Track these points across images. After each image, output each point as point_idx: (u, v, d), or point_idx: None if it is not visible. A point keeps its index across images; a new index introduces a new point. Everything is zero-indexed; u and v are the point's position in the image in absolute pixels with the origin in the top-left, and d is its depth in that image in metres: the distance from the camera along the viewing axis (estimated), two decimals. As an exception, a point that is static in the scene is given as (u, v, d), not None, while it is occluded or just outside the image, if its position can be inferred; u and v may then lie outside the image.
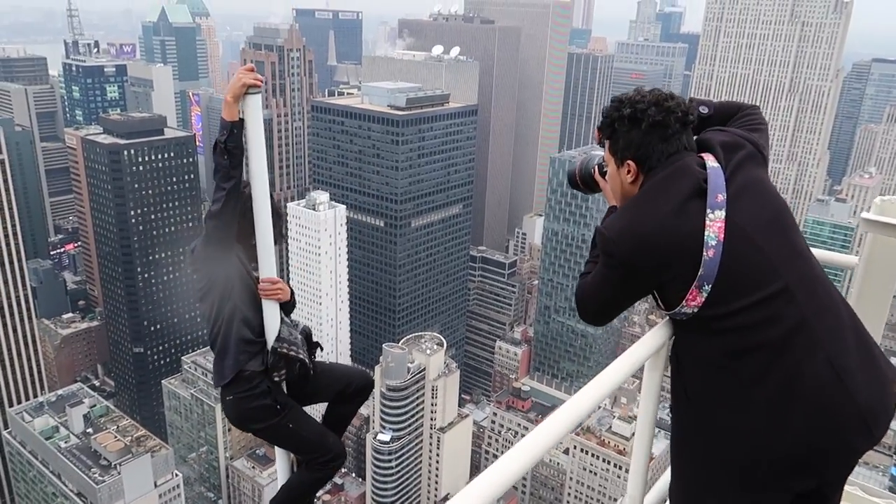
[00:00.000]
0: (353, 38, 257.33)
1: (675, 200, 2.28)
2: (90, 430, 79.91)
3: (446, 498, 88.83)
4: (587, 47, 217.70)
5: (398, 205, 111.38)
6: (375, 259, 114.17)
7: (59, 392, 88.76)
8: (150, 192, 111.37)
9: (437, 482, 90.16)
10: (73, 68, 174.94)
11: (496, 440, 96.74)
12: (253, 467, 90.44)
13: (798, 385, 2.20)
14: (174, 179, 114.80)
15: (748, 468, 2.29)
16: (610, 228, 2.36)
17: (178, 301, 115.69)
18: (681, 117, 2.40)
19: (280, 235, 3.44)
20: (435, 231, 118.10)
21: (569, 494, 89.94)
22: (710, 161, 2.37)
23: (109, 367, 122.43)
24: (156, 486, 75.89)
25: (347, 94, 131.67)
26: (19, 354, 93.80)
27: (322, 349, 3.78)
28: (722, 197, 2.26)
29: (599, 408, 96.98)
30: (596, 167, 2.77)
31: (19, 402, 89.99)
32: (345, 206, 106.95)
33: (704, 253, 2.21)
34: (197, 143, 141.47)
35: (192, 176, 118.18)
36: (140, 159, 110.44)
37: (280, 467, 3.68)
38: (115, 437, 78.62)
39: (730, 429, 2.30)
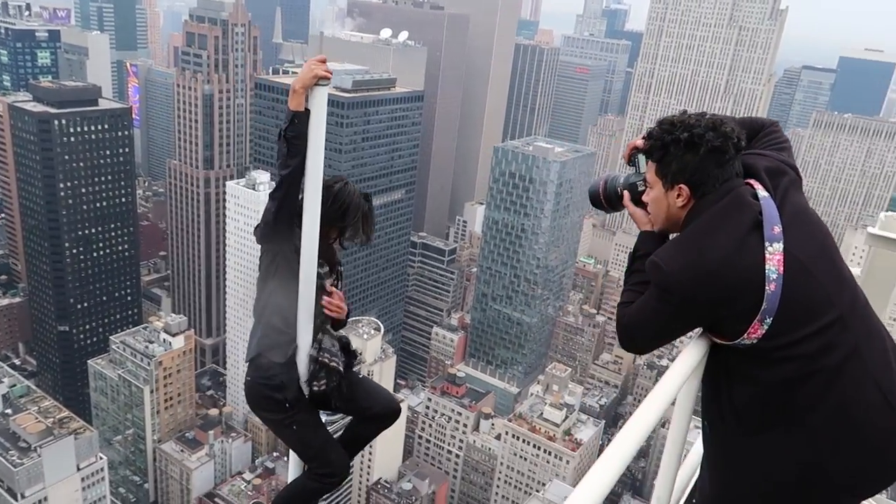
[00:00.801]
0: (301, 16, 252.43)
1: (736, 235, 2.30)
2: (9, 410, 76.86)
3: (378, 483, 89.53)
4: (534, 39, 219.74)
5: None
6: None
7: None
8: (81, 164, 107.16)
9: (370, 466, 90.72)
10: (2, 31, 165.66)
11: (430, 425, 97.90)
12: (182, 451, 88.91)
13: (851, 410, 2.28)
14: (107, 153, 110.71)
15: (796, 490, 2.37)
16: (668, 262, 2.33)
17: (109, 279, 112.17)
18: (736, 143, 2.43)
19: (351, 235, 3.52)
20: (376, 216, 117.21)
21: (499, 479, 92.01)
22: (761, 190, 2.40)
23: (32, 345, 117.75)
24: (78, 469, 73.75)
25: (292, 72, 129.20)
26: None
27: (360, 356, 3.84)
28: (778, 229, 2.30)
29: (531, 394, 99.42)
30: (626, 190, 2.78)
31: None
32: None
33: (766, 287, 2.24)
34: (133, 116, 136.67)
35: (126, 150, 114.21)
36: (72, 130, 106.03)
37: (290, 465, 3.69)
38: (36, 418, 75.88)
39: (782, 452, 2.36)
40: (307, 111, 3.01)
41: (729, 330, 2.34)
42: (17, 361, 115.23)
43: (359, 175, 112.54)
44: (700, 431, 2.79)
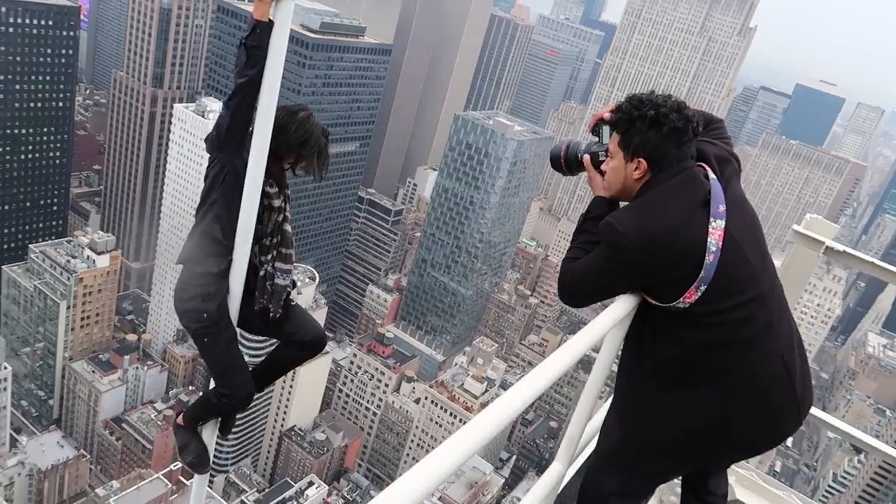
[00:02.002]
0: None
1: (686, 208, 2.52)
2: None
3: (292, 430, 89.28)
4: (510, 13, 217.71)
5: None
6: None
7: None
8: (18, 59, 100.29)
9: (285, 413, 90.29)
10: None
11: (352, 381, 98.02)
12: (93, 371, 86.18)
13: (759, 379, 2.57)
14: (49, 51, 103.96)
15: (700, 441, 2.68)
16: (623, 224, 2.51)
17: (35, 185, 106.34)
18: (695, 128, 2.62)
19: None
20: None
21: (412, 441, 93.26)
22: (710, 173, 2.63)
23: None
24: (-20, 376, 70.67)
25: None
26: None
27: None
28: (723, 208, 2.53)
29: (456, 364, 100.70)
30: (588, 155, 2.90)
31: None
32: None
33: (706, 258, 2.47)
34: (81, 17, 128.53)
35: (70, 51, 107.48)
36: (12, 20, 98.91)
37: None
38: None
39: (693, 408, 2.63)
40: (271, 22, 2.93)
41: (666, 293, 2.55)
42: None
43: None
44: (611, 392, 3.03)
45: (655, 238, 2.45)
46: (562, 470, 3.07)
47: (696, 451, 2.73)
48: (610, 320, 2.56)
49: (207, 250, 3.26)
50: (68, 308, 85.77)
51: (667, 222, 2.48)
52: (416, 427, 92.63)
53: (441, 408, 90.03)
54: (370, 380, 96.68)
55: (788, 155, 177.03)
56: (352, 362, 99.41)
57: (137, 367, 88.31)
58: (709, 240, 2.47)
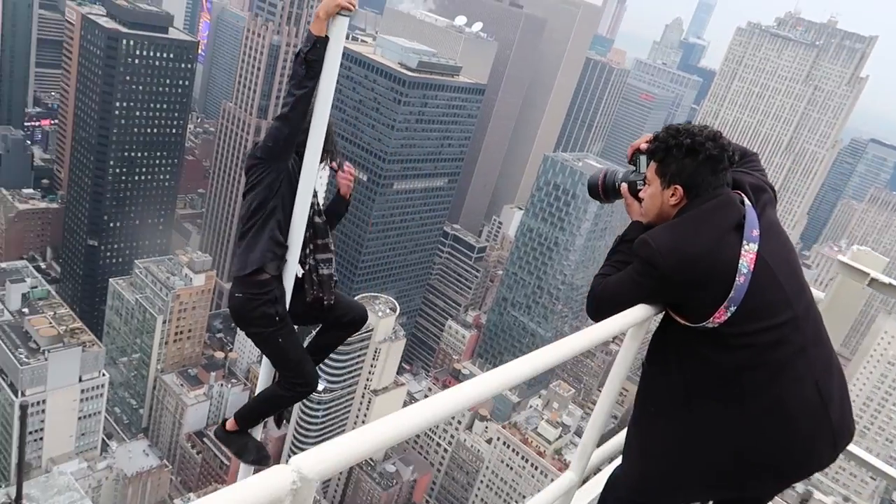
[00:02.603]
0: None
1: (720, 230, 2.56)
2: (26, 310, 78.56)
3: (364, 459, 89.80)
4: (606, 56, 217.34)
5: (385, 163, 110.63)
6: (350, 211, 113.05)
7: (3, 265, 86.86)
8: (140, 87, 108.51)
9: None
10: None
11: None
12: (181, 384, 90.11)
13: (789, 403, 2.53)
14: (168, 82, 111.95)
15: (727, 467, 2.63)
16: (657, 241, 2.57)
17: (145, 204, 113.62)
18: (731, 156, 2.68)
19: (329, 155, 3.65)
20: (415, 198, 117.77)
21: (481, 482, 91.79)
22: (745, 199, 2.69)
23: (59, 252, 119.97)
24: (80, 380, 75.17)
25: (362, 41, 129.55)
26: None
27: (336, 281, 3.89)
28: (756, 232, 2.57)
29: (530, 407, 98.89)
30: (625, 183, 3.01)
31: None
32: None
33: (737, 279, 2.49)
34: (199, 51, 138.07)
35: (186, 83, 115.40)
36: (138, 52, 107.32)
37: (262, 376, 3.84)
38: (50, 322, 77.38)
39: (718, 428, 2.59)
40: (326, 38, 3.14)
41: (695, 312, 2.57)
42: (42, 265, 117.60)
43: (406, 155, 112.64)
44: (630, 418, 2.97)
45: (687, 256, 2.51)
46: (574, 479, 3.06)
47: (722, 477, 2.67)
48: (633, 317, 2.61)
49: (272, 256, 3.44)
50: (164, 322, 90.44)
51: (699, 242, 2.53)
52: (487, 468, 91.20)
53: (513, 450, 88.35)
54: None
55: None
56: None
57: (222, 384, 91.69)
58: (740, 262, 2.51)
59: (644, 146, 2.88)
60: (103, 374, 79.49)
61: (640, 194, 2.88)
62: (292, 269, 3.49)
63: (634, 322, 2.64)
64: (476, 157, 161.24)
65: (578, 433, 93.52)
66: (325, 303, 3.69)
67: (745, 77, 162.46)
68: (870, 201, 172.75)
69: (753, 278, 2.50)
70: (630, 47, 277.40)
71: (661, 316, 2.86)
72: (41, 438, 73.61)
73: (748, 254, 2.52)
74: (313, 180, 3.35)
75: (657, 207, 2.77)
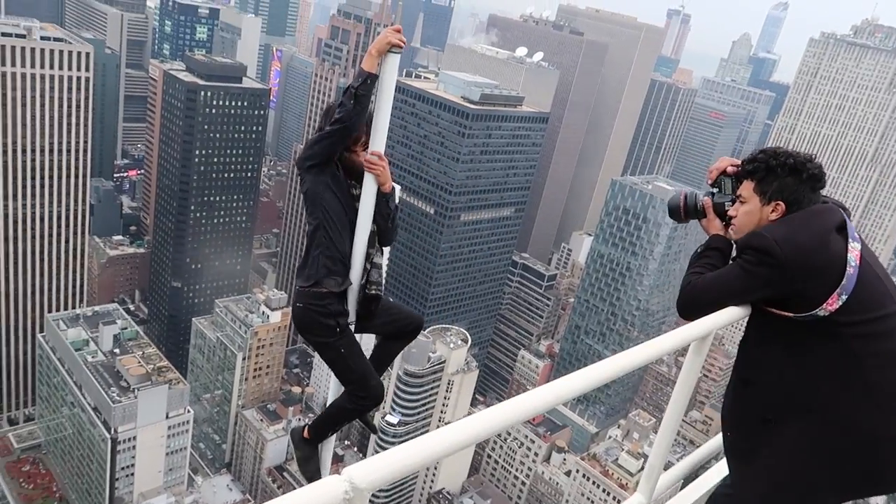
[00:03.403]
0: (441, 25, 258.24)
1: (827, 228, 2.72)
2: (117, 350, 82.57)
3: (440, 493, 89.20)
4: (671, 77, 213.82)
5: (452, 196, 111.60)
6: (419, 244, 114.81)
7: (96, 308, 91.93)
8: (217, 135, 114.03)
9: (434, 476, 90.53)
10: (170, 3, 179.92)
11: (500, 446, 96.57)
12: (261, 420, 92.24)
13: None
14: (243, 128, 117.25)
15: (861, 458, 2.63)
16: (773, 232, 2.71)
17: (224, 246, 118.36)
18: (825, 176, 2.88)
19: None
20: (482, 228, 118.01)
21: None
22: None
23: (146, 294, 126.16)
24: (167, 417, 78.05)
25: (424, 77, 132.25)
26: (66, 265, 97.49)
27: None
28: (857, 235, 2.76)
29: (609, 437, 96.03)
30: (707, 198, 3.18)
31: (58, 310, 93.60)
32: (400, 187, 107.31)
33: (847, 269, 2.63)
34: (271, 98, 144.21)
35: (260, 128, 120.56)
36: (215, 102, 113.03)
37: (332, 388, 3.92)
38: (139, 362, 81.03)
39: (852, 420, 2.62)
40: (377, 75, 3.25)
41: (807, 301, 2.65)
42: (131, 307, 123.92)
43: (472, 186, 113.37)
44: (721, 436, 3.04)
45: (803, 245, 2.63)
46: (643, 501, 3.00)
47: (862, 471, 2.66)
48: (725, 317, 2.60)
49: (325, 272, 3.61)
50: (244, 359, 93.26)
51: (812, 234, 2.68)
52: (566, 501, 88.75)
53: (593, 482, 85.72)
54: (519, 447, 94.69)
55: None
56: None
57: (300, 419, 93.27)
58: (848, 256, 2.65)
59: (731, 169, 3.07)
60: (188, 411, 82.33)
61: (730, 213, 3.02)
62: (355, 284, 3.61)
63: (706, 331, 2.62)
64: (542, 185, 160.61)
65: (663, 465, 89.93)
66: (372, 295, 3.69)
67: (822, 89, 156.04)
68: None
69: (860, 271, 2.64)
70: (697, 66, 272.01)
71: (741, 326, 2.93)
72: (132, 474, 76.70)
73: (854, 250, 2.67)
74: (370, 213, 3.49)
75: (754, 224, 2.89)
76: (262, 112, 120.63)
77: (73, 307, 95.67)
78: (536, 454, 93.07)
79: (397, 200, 3.91)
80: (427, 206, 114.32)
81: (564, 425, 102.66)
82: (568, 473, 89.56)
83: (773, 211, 2.83)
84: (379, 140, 3.36)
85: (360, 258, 3.58)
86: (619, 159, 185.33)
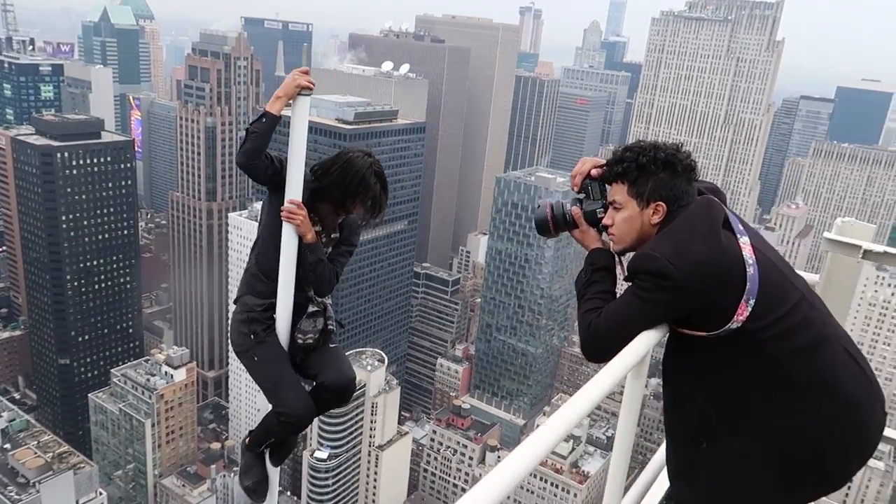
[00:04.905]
0: (302, 50, 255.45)
1: (714, 228, 2.50)
2: (8, 445, 75.88)
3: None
4: (534, 71, 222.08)
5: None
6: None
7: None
8: (83, 196, 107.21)
9: (374, 501, 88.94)
10: (6, 65, 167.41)
11: (435, 458, 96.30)
12: (183, 485, 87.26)
13: (837, 374, 2.46)
14: (110, 185, 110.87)
15: (799, 461, 2.47)
16: (661, 251, 2.45)
17: (110, 311, 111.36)
18: (696, 165, 2.71)
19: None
20: (379, 246, 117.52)
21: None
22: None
23: (32, 378, 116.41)
24: (77, 504, 72.44)
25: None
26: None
27: (342, 328, 3.91)
28: (741, 226, 2.57)
29: (537, 426, 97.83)
30: (575, 208, 2.89)
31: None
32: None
33: (748, 270, 2.43)
34: (136, 149, 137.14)
35: (129, 182, 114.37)
36: (74, 162, 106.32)
37: (259, 402, 3.71)
38: (35, 453, 74.76)
39: (785, 424, 2.45)
40: (278, 117, 3.27)
41: (715, 317, 2.44)
42: (16, 395, 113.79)
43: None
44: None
45: (699, 258, 2.41)
46: None
47: (803, 474, 2.49)
48: (637, 350, 2.37)
49: (247, 289, 3.68)
50: (153, 426, 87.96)
51: (703, 243, 2.45)
52: (509, 497, 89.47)
53: (532, 475, 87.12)
54: (454, 455, 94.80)
55: (843, 159, 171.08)
56: (432, 439, 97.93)
57: (224, 475, 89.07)
58: (744, 254, 2.47)
59: (595, 171, 2.80)
60: (100, 493, 76.97)
61: (604, 221, 2.77)
62: (282, 303, 3.51)
63: (640, 355, 2.41)
64: (431, 194, 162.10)
65: (591, 441, 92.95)
66: (298, 345, 3.60)
67: (670, 63, 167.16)
68: (814, 155, 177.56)
69: (759, 268, 2.46)
70: (555, 58, 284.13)
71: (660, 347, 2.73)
72: (48, 574, 70.39)
73: (746, 246, 2.49)
74: (293, 255, 3.44)
75: (636, 229, 2.67)
76: (128, 165, 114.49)
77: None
78: (471, 458, 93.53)
79: (324, 251, 3.72)
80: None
81: (493, 423, 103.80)
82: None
83: (654, 213, 2.62)
84: (294, 187, 3.27)
85: (284, 303, 3.50)
86: (499, 157, 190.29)
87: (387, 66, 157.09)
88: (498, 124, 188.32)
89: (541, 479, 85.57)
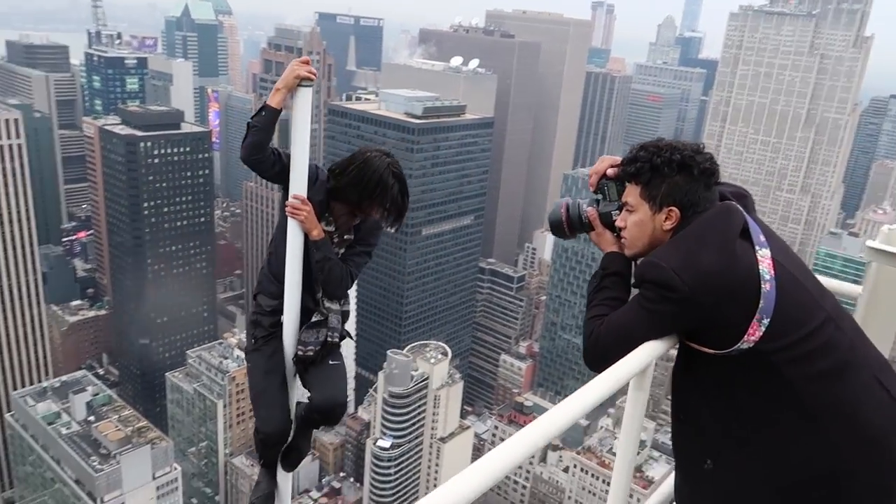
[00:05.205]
0: (374, 45, 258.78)
1: (729, 237, 2.31)
2: (92, 418, 79.89)
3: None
4: (605, 67, 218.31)
5: (410, 212, 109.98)
6: (384, 265, 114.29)
7: (63, 378, 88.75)
8: (164, 184, 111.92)
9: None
10: (95, 58, 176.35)
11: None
12: (251, 465, 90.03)
13: (861, 411, 2.24)
14: (188, 174, 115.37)
15: (813, 496, 2.27)
16: (667, 260, 2.29)
17: (187, 295, 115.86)
18: (717, 169, 2.48)
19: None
20: (445, 241, 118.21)
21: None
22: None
23: (115, 356, 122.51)
24: (154, 478, 75.69)
25: (365, 99, 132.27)
26: (25, 339, 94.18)
27: (348, 337, 3.73)
28: (763, 237, 2.35)
29: (602, 428, 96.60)
30: (590, 208, 2.77)
31: (23, 386, 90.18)
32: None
33: (762, 286, 2.23)
34: (213, 140, 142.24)
35: (206, 171, 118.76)
36: (156, 152, 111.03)
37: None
38: (116, 426, 78.54)
39: (798, 456, 2.25)
40: (279, 110, 3.15)
41: (723, 335, 2.27)
42: (101, 371, 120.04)
43: (428, 200, 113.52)
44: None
45: (706, 270, 2.23)
46: None
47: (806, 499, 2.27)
48: (640, 359, 2.20)
49: (259, 288, 3.63)
50: (224, 406, 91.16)
51: (714, 254, 2.26)
52: (570, 498, 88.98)
53: (592, 475, 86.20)
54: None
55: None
56: (494, 434, 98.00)
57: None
58: (760, 268, 2.26)
59: (611, 171, 2.66)
60: (175, 468, 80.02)
61: (618, 223, 2.63)
62: (289, 306, 3.42)
63: (643, 365, 2.27)
64: (498, 189, 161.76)
65: (655, 446, 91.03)
66: (296, 357, 3.48)
67: (749, 59, 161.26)
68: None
69: (778, 284, 2.25)
70: (628, 54, 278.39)
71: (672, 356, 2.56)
72: (126, 542, 74.10)
73: (764, 259, 2.28)
74: (299, 254, 3.36)
75: (647, 235, 2.51)
76: (206, 155, 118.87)
77: (39, 381, 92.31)
78: (533, 456, 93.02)
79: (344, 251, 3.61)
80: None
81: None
82: (566, 470, 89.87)
83: (666, 218, 2.45)
84: (299, 182, 3.19)
85: (291, 306, 3.39)
86: (567, 153, 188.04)
87: (456, 61, 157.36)
88: (567, 121, 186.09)
89: (603, 481, 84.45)
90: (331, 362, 3.55)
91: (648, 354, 2.32)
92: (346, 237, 3.54)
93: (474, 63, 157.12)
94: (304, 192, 3.26)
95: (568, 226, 2.82)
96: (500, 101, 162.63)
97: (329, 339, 3.51)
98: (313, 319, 3.50)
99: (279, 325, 3.47)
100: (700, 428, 2.43)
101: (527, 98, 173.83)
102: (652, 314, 2.32)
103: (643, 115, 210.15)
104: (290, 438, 3.61)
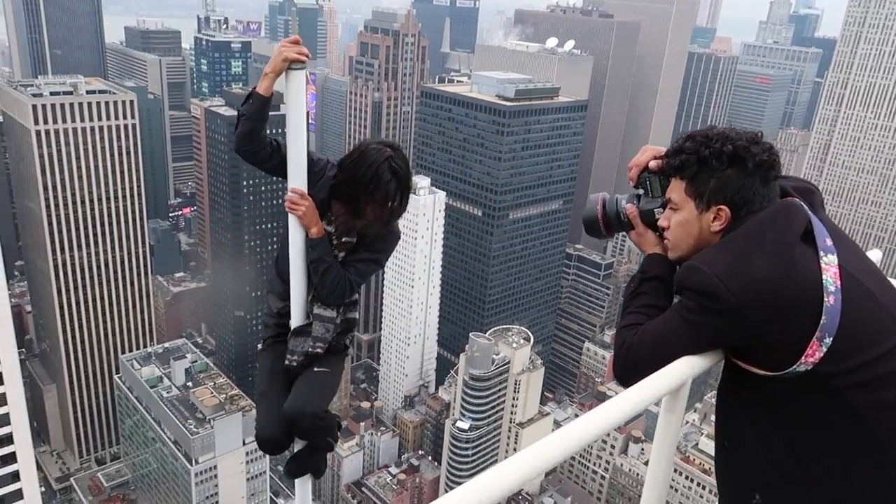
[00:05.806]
0: (469, 27, 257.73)
1: (787, 241, 2.00)
2: (190, 383, 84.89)
3: (519, 494, 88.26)
4: (710, 47, 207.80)
5: (498, 196, 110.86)
6: (470, 248, 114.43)
7: (166, 345, 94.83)
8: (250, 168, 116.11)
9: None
10: (204, 42, 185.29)
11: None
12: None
13: None
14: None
15: None
16: (713, 266, 1.99)
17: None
18: (778, 159, 2.18)
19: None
20: (532, 225, 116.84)
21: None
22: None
23: (212, 326, 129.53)
24: (244, 444, 79.63)
25: (457, 81, 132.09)
26: (134, 307, 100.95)
27: (348, 347, 3.66)
28: (830, 241, 2.04)
29: (687, 422, 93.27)
30: (630, 205, 2.46)
31: (130, 351, 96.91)
32: (445, 193, 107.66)
33: (825, 300, 1.92)
34: (310, 121, 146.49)
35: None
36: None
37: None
38: (212, 392, 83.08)
39: (852, 492, 1.99)
40: (269, 97, 2.97)
41: (777, 355, 1.98)
42: (199, 340, 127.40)
43: (517, 184, 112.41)
44: None
45: (758, 280, 1.93)
46: None
47: None
48: (674, 375, 1.91)
49: (269, 288, 3.59)
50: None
51: (768, 260, 1.95)
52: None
53: (676, 471, 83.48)
54: (595, 441, 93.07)
55: None
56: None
57: (372, 433, 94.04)
58: (824, 278, 1.94)
59: (654, 164, 2.34)
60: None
61: (660, 223, 2.34)
62: (295, 305, 3.28)
63: (677, 383, 1.98)
64: (589, 174, 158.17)
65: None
66: (286, 361, 3.34)
67: (872, 38, 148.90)
68: None
69: (844, 297, 1.94)
70: (735, 33, 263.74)
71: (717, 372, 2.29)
72: (217, 503, 78.54)
73: (830, 267, 1.96)
74: (300, 253, 3.19)
75: (693, 236, 2.21)
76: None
77: (145, 346, 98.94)
78: (613, 447, 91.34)
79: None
80: (474, 208, 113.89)
81: (639, 414, 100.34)
82: (647, 463, 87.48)
83: (715, 218, 2.13)
84: (297, 175, 2.99)
85: (297, 307, 3.24)
86: (664, 138, 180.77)
87: (551, 42, 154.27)
88: (666, 104, 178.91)
89: (686, 477, 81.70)
90: (315, 369, 3.37)
91: (684, 372, 2.04)
92: (345, 240, 3.28)
93: (570, 44, 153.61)
94: (303, 186, 3.07)
95: (604, 224, 2.56)
96: (596, 84, 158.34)
97: (311, 350, 3.30)
98: (296, 326, 3.28)
99: (285, 327, 3.33)
100: (748, 457, 2.14)
101: (623, 80, 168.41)
102: (691, 326, 2.07)
103: (749, 98, 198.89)
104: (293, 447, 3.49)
